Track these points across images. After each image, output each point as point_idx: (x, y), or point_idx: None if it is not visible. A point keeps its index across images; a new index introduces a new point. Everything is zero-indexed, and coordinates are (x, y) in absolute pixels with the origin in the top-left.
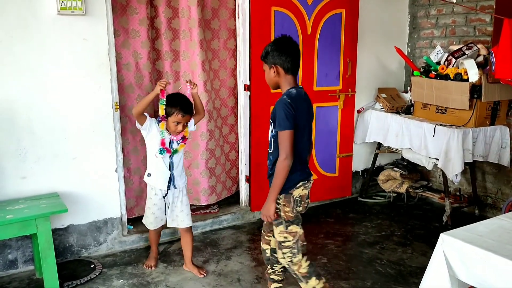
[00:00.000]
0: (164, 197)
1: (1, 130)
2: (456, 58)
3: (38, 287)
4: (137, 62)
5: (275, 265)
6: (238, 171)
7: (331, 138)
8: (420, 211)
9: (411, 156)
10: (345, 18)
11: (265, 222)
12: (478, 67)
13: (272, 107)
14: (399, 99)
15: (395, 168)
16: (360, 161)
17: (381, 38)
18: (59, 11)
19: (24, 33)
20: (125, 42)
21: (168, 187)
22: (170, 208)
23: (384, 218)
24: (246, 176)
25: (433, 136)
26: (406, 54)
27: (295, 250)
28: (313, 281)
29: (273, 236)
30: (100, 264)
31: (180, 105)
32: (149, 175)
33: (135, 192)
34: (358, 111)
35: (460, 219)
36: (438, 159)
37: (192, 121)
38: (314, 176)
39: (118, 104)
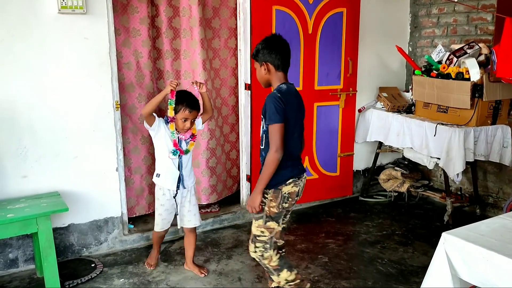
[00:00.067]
0: (174, 197)
1: (2, 129)
2: (457, 57)
3: (38, 286)
4: (137, 61)
5: None
6: (239, 170)
7: (332, 137)
8: (421, 211)
9: (412, 156)
10: (346, 17)
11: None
12: (480, 66)
13: None
14: (400, 98)
15: (396, 168)
16: (361, 160)
17: (382, 37)
18: (59, 10)
19: (25, 32)
20: (126, 41)
21: (178, 187)
22: (177, 208)
23: (385, 218)
24: (247, 175)
25: (435, 135)
26: (407, 53)
27: (268, 246)
28: (285, 273)
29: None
30: (100, 263)
31: (186, 101)
32: (158, 175)
33: (136, 191)
34: (359, 110)
35: (461, 218)
36: (439, 158)
37: (200, 119)
38: (314, 175)
39: (119, 103)
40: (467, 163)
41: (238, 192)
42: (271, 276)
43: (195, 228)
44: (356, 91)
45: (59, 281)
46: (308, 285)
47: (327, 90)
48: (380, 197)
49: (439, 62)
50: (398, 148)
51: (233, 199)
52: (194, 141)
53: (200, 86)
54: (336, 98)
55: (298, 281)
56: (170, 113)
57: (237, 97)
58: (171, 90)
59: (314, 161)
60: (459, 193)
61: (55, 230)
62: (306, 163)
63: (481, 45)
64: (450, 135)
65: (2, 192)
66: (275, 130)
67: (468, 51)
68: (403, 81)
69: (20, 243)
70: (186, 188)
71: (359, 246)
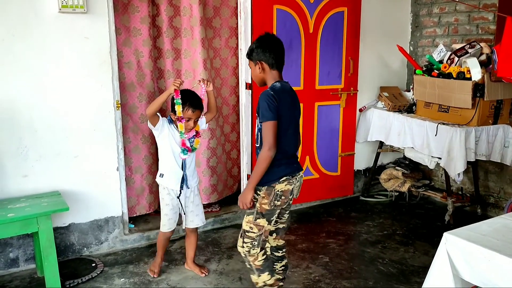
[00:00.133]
0: (178, 197)
1: (3, 129)
2: (458, 57)
3: (39, 286)
4: (138, 61)
5: (276, 263)
6: (240, 170)
7: (333, 137)
8: (422, 210)
9: (413, 155)
10: (347, 17)
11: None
12: (481, 66)
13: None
14: (401, 97)
15: (397, 167)
16: (362, 160)
17: (383, 36)
18: (60, 9)
19: (25, 32)
20: (127, 40)
21: (181, 187)
22: (182, 208)
23: (386, 217)
24: (247, 174)
25: (436, 135)
26: (408, 52)
27: (256, 243)
28: (265, 276)
29: (270, 233)
30: (101, 263)
31: (189, 100)
32: (161, 175)
33: (136, 191)
34: (360, 110)
35: (462, 218)
36: (440, 158)
37: (203, 119)
38: (315, 175)
39: (120, 102)
40: (468, 162)
41: (238, 191)
42: (250, 273)
43: (196, 228)
44: (357, 90)
45: (59, 280)
46: None
47: (328, 90)
48: (381, 196)
49: (440, 61)
50: (399, 148)
51: (233, 198)
52: (198, 138)
53: (207, 84)
54: (337, 98)
55: (276, 287)
56: (179, 112)
57: (237, 97)
58: (175, 89)
59: (315, 160)
60: (460, 193)
61: (55, 229)
62: (307, 163)
63: (482, 44)
64: (451, 135)
65: (3, 192)
66: (268, 128)
67: (470, 50)
68: (404, 80)
69: (21, 243)
70: (189, 188)
71: (360, 246)
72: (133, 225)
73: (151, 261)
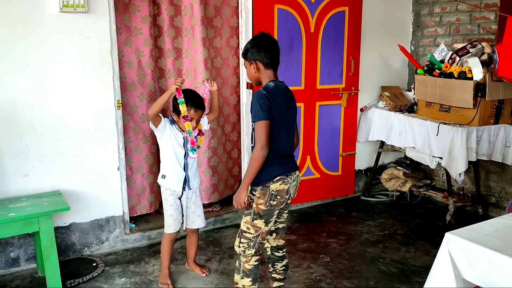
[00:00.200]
0: (179, 198)
1: (4, 128)
2: (460, 56)
3: (40, 285)
4: (139, 60)
5: (276, 263)
6: (240, 169)
7: (334, 136)
8: (423, 210)
9: (415, 155)
10: (349, 16)
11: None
12: (483, 66)
13: None
14: (402, 97)
15: (398, 167)
16: (363, 159)
17: (384, 36)
18: (61, 9)
19: (26, 31)
20: (128, 40)
21: (183, 188)
22: (183, 210)
23: (387, 217)
24: None
25: (437, 135)
26: (409, 52)
27: (252, 244)
28: (247, 281)
29: (269, 233)
30: (102, 263)
31: (191, 100)
32: (163, 176)
33: (137, 191)
34: (361, 110)
35: (463, 218)
36: (441, 158)
37: (205, 119)
38: (316, 175)
39: (120, 102)
40: (470, 162)
41: None
42: (235, 271)
43: (197, 229)
44: (358, 90)
45: (60, 280)
46: None
47: (329, 89)
48: (382, 196)
49: (442, 61)
50: (400, 148)
51: None
52: (201, 136)
53: (211, 83)
54: (338, 97)
55: None
56: (183, 112)
57: (238, 96)
58: (176, 88)
59: (316, 160)
60: (461, 192)
61: (56, 229)
62: (308, 162)
63: (484, 44)
64: (453, 135)
65: (4, 191)
66: (260, 127)
67: (471, 50)
68: (405, 80)
69: (22, 242)
70: (191, 189)
71: (361, 246)
72: (134, 225)
73: (152, 261)
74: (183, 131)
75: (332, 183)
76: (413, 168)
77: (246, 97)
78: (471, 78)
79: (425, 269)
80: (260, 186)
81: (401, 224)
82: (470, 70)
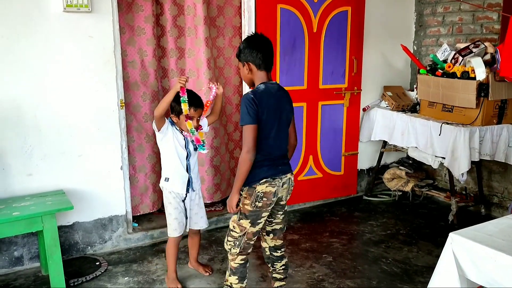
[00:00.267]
0: (183, 201)
1: (8, 128)
2: (463, 56)
3: (43, 284)
4: (142, 60)
5: (275, 263)
6: None
7: (337, 136)
8: (426, 210)
9: (417, 155)
10: (351, 16)
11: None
12: (486, 65)
13: None
14: (405, 97)
15: (400, 167)
16: (365, 159)
17: (387, 36)
18: (65, 8)
19: (29, 31)
20: (131, 39)
21: (187, 190)
22: (186, 212)
23: (389, 217)
24: None
25: (439, 135)
26: (412, 52)
27: (237, 243)
28: (234, 279)
29: (267, 234)
30: (105, 262)
31: (190, 99)
32: (166, 179)
33: (140, 190)
34: (364, 109)
35: (466, 218)
36: (444, 158)
37: (205, 121)
38: (318, 174)
39: (124, 101)
40: (472, 162)
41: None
42: (227, 270)
43: (199, 230)
44: (361, 90)
45: (64, 279)
46: None
47: (332, 89)
48: (384, 196)
49: (445, 61)
50: (402, 147)
51: None
52: (201, 130)
53: (218, 86)
54: (341, 97)
55: None
56: (185, 111)
57: (241, 96)
58: (181, 87)
59: (318, 160)
60: (464, 192)
61: (60, 228)
62: (310, 162)
63: (486, 44)
64: (455, 135)
65: (8, 190)
66: (247, 131)
67: (474, 50)
68: (408, 80)
69: (25, 241)
70: (194, 190)
71: (363, 246)
72: (137, 224)
73: (155, 260)
74: (183, 132)
75: (334, 183)
76: (416, 168)
77: None
78: (474, 78)
79: (428, 269)
80: (247, 187)
81: (403, 224)
82: (473, 70)
